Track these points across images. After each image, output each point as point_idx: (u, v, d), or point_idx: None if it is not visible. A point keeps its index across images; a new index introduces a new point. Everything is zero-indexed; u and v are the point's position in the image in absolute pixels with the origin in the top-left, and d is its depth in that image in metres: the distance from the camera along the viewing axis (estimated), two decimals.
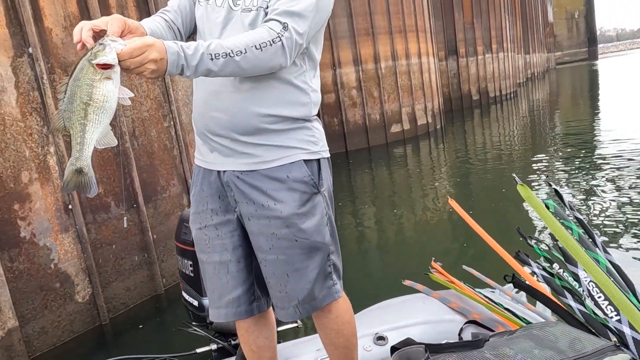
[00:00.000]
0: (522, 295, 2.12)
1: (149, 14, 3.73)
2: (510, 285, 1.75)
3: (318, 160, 1.43)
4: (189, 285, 2.00)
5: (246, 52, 1.21)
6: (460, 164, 8.36)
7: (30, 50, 2.95)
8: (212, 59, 1.17)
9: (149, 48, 1.10)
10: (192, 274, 1.95)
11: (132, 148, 3.53)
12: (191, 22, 1.47)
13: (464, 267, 2.18)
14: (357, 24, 9.84)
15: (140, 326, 3.36)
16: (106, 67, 1.08)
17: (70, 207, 3.14)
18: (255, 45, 1.21)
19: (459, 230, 4.56)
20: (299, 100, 1.39)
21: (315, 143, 1.43)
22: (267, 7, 1.31)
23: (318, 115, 1.50)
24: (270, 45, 1.23)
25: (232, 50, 1.19)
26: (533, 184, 5.95)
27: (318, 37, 1.43)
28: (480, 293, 2.00)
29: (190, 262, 1.96)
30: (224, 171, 1.41)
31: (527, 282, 1.73)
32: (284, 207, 1.37)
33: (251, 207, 1.39)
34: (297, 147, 1.39)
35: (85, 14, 3.29)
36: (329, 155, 1.48)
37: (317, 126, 1.46)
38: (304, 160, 1.40)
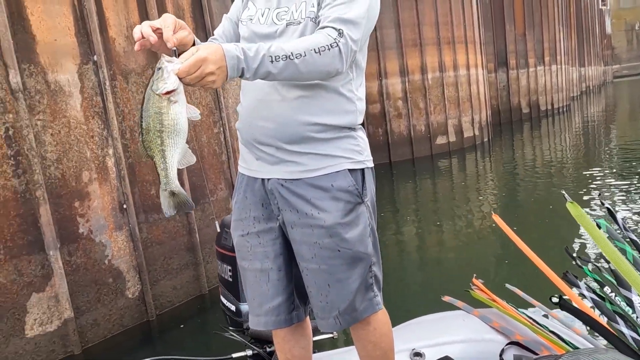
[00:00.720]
0: (570, 319, 2.05)
1: (204, 25, 3.90)
2: (557, 307, 1.69)
3: (362, 170, 1.43)
4: (227, 290, 2.03)
5: (305, 55, 1.21)
6: (507, 179, 8.15)
7: (95, 57, 3.15)
8: (272, 62, 1.18)
9: (203, 63, 1.12)
10: (230, 279, 1.98)
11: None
12: None
13: (507, 285, 2.10)
14: (405, 35, 9.82)
15: (182, 326, 3.47)
16: (169, 92, 1.13)
17: (124, 206, 3.30)
18: (314, 49, 1.22)
19: (503, 246, 4.44)
20: (345, 109, 1.40)
21: (360, 152, 1.43)
22: (316, 17, 1.33)
23: (362, 125, 1.49)
24: (329, 49, 1.24)
25: (292, 53, 1.20)
26: (584, 201, 5.72)
27: (364, 45, 1.44)
28: (524, 314, 1.92)
29: (229, 268, 1.99)
30: (268, 179, 1.42)
31: (575, 305, 1.65)
32: (327, 216, 1.37)
33: (294, 216, 1.39)
34: (342, 157, 1.39)
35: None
36: (372, 165, 1.48)
37: (362, 135, 1.46)
38: (349, 170, 1.40)
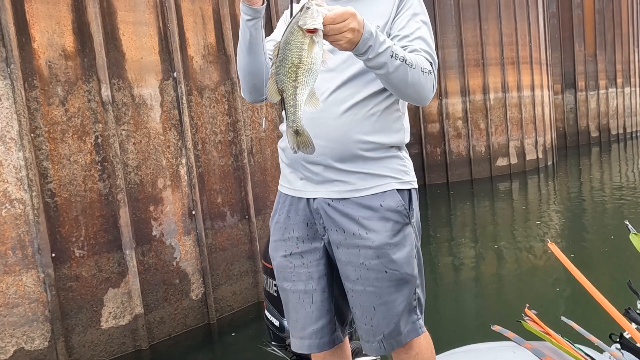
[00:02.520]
0: (630, 359, 1.94)
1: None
2: (617, 345, 1.62)
3: (409, 191, 1.43)
4: (272, 304, 2.04)
5: (415, 68, 1.25)
6: (570, 205, 7.82)
7: (174, 74, 3.42)
8: (392, 56, 1.21)
9: (351, 17, 1.13)
10: (275, 294, 1.96)
11: (249, 164, 3.87)
12: None
13: (563, 318, 2.00)
14: (467, 55, 9.75)
15: (233, 334, 3.60)
16: (313, 31, 1.13)
17: (193, 212, 3.53)
18: (421, 68, 1.27)
19: (560, 276, 4.28)
20: (394, 127, 1.41)
21: (407, 173, 1.43)
22: None
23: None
24: (429, 74, 1.29)
25: (407, 59, 1.24)
26: None
27: None
28: (581, 350, 1.82)
29: (275, 282, 1.95)
30: (314, 198, 1.41)
31: (637, 345, 1.56)
32: (375, 237, 1.35)
33: (340, 236, 1.37)
34: (390, 176, 1.39)
35: (221, 44, 3.73)
36: (417, 186, 1.48)
37: (407, 156, 1.47)
38: (397, 190, 1.39)
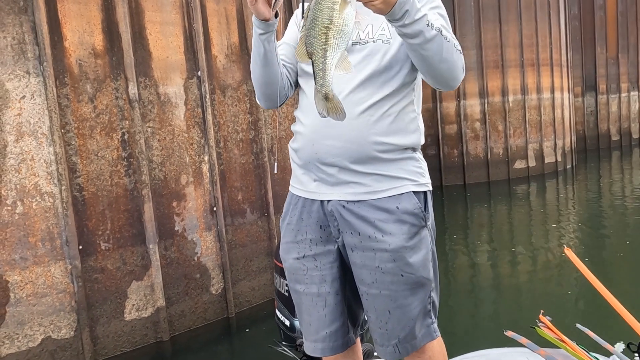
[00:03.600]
0: None
1: None
2: (635, 355, 1.57)
3: (425, 193, 1.41)
4: (283, 304, 2.04)
5: (450, 42, 1.21)
6: (589, 209, 7.73)
7: (199, 73, 3.50)
8: (428, 25, 1.16)
9: None
10: (287, 294, 1.94)
11: (269, 162, 3.93)
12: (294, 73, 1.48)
13: (579, 325, 1.94)
14: (487, 57, 9.69)
15: (247, 329, 3.65)
16: None
17: (214, 209, 3.60)
18: (455, 44, 1.24)
19: (576, 282, 4.25)
20: (410, 128, 1.39)
21: (422, 175, 1.42)
22: (389, 39, 1.34)
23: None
24: (460, 53, 1.27)
25: (443, 31, 1.19)
26: None
27: None
28: (597, 358, 1.80)
29: (286, 282, 1.94)
30: (328, 200, 1.38)
31: None
32: (392, 240, 1.33)
33: (356, 238, 1.35)
34: (407, 178, 1.37)
35: (244, 44, 3.80)
36: (431, 188, 1.46)
37: (422, 158, 1.46)
38: (413, 192, 1.37)
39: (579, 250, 5.30)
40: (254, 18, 1.35)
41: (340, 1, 1.10)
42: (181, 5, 3.41)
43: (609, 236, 6.04)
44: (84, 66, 3.02)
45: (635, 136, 15.94)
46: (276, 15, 1.35)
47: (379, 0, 1.11)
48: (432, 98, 9.78)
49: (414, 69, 1.40)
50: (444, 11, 1.40)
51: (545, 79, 10.25)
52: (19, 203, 2.82)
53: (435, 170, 9.49)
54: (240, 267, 3.79)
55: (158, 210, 3.32)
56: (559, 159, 10.67)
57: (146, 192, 3.22)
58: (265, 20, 1.33)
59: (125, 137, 3.17)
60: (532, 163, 10.18)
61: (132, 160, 3.19)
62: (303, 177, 1.44)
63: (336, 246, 1.41)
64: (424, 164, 1.45)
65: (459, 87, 9.75)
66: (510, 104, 9.92)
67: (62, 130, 2.93)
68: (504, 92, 9.87)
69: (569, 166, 11.04)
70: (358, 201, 1.36)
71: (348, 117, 1.31)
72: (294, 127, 1.47)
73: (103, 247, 3.10)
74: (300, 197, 1.45)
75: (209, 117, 3.54)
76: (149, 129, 3.28)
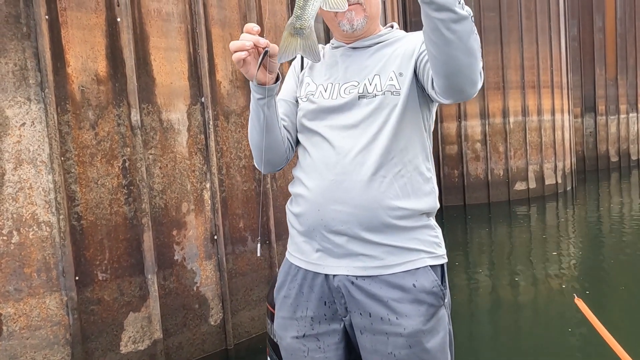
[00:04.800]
0: None
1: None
2: None
3: (442, 266, 1.28)
4: (275, 353, 1.94)
5: (476, 35, 1.06)
6: (590, 233, 7.69)
7: (202, 99, 3.44)
8: (459, 2, 1.00)
9: None
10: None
11: (272, 189, 3.87)
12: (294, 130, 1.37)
13: None
14: (488, 78, 9.70)
15: None
16: None
17: (215, 237, 3.52)
18: (479, 45, 1.08)
19: (582, 321, 4.18)
20: (425, 190, 1.27)
21: (439, 245, 1.29)
22: (397, 90, 1.23)
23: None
24: (482, 60, 1.11)
25: (473, 18, 1.04)
26: None
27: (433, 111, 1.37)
28: None
29: None
30: (334, 275, 1.23)
31: None
32: (408, 323, 1.18)
33: (366, 320, 1.21)
34: (423, 250, 1.25)
35: None
36: (447, 259, 1.33)
37: (437, 225, 1.33)
38: (430, 267, 1.24)
39: (579, 281, 5.23)
40: (250, 83, 1.22)
41: None
42: (186, 31, 3.37)
43: (609, 266, 5.97)
44: (87, 93, 2.96)
45: (634, 158, 15.97)
46: (277, 79, 1.23)
47: None
48: None
49: (425, 120, 1.31)
50: None
51: (546, 100, 10.28)
52: (15, 233, 2.74)
53: None
54: (240, 296, 3.70)
55: (158, 239, 3.24)
56: (559, 180, 10.65)
57: (146, 220, 3.15)
58: (262, 84, 1.20)
59: (126, 164, 3.10)
60: (532, 185, 10.15)
61: (132, 188, 3.12)
62: (304, 245, 1.29)
63: (342, 325, 1.26)
64: (439, 232, 1.33)
65: (459, 108, 9.76)
66: (511, 125, 9.93)
67: (62, 158, 2.86)
68: (504, 114, 9.88)
69: (569, 188, 11.02)
70: (369, 276, 1.21)
71: (359, 178, 1.20)
72: (293, 189, 1.34)
73: (100, 278, 3.01)
74: (301, 268, 1.30)
75: (212, 144, 3.48)
76: (150, 156, 3.22)
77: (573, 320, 4.10)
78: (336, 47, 1.37)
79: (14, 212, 2.73)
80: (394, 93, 1.25)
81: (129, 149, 3.11)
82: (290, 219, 1.35)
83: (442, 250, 1.30)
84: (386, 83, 1.26)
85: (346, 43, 1.34)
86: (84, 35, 2.94)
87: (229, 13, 3.61)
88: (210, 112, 3.47)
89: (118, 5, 3.04)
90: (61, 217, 2.83)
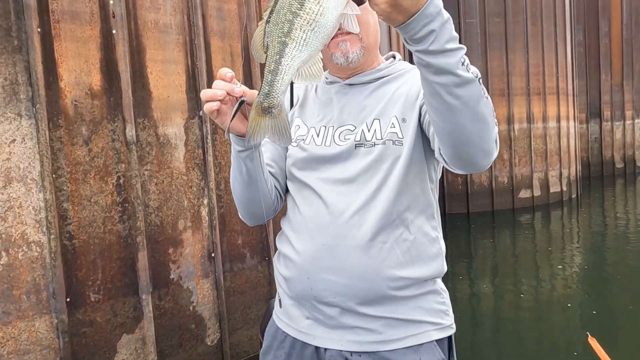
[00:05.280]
0: None
1: None
2: None
3: (449, 338, 1.16)
4: None
5: (487, 99, 0.91)
6: (595, 241, 7.57)
7: (200, 113, 3.34)
8: (464, 63, 0.86)
9: None
10: None
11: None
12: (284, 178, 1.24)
13: None
14: (493, 85, 9.59)
15: None
16: None
17: (213, 255, 3.41)
18: (492, 109, 0.93)
19: (591, 328, 4.06)
20: (429, 252, 1.13)
21: (446, 313, 1.15)
22: (400, 140, 1.08)
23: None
24: (495, 125, 0.96)
25: (480, 81, 0.90)
26: None
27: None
28: None
29: None
30: (326, 349, 1.11)
31: None
32: None
33: None
34: (428, 322, 1.11)
35: (249, 80, 3.65)
36: (455, 328, 1.20)
37: (444, 287, 1.19)
38: (436, 341, 1.11)
39: (584, 297, 5.11)
40: (226, 133, 1.09)
41: None
42: (184, 43, 3.27)
43: (616, 281, 5.85)
44: (80, 107, 2.86)
45: (639, 164, 15.81)
46: None
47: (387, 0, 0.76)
48: None
49: (433, 171, 1.14)
50: None
51: (551, 107, 10.15)
52: (3, 254, 2.64)
53: (439, 198, 9.32)
54: (238, 315, 3.60)
55: (153, 258, 3.14)
56: (564, 188, 10.52)
57: (141, 239, 3.04)
58: (242, 135, 1.05)
59: (121, 181, 3.00)
60: (537, 192, 10.02)
61: (127, 205, 3.02)
62: (293, 309, 1.17)
63: None
64: (446, 296, 1.19)
65: None
66: (516, 133, 9.81)
67: (54, 176, 2.76)
68: (509, 121, 9.76)
69: (573, 196, 10.88)
70: (366, 352, 1.08)
71: (353, 245, 1.06)
72: (281, 246, 1.21)
73: (93, 299, 2.91)
74: (289, 335, 1.18)
75: (210, 159, 3.38)
76: (146, 172, 3.12)
77: (577, 336, 3.99)
78: (330, 83, 1.22)
79: (3, 232, 2.63)
80: (396, 142, 1.10)
81: (123, 165, 3.01)
82: (277, 277, 1.25)
83: (450, 319, 1.17)
84: (387, 130, 1.11)
85: (341, 78, 1.19)
86: (77, 48, 2.84)
87: (228, 24, 3.51)
88: (208, 125, 3.37)
89: (113, 17, 2.95)
90: (52, 236, 2.73)
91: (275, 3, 0.83)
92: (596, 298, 5.01)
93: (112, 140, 2.97)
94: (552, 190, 10.21)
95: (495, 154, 0.97)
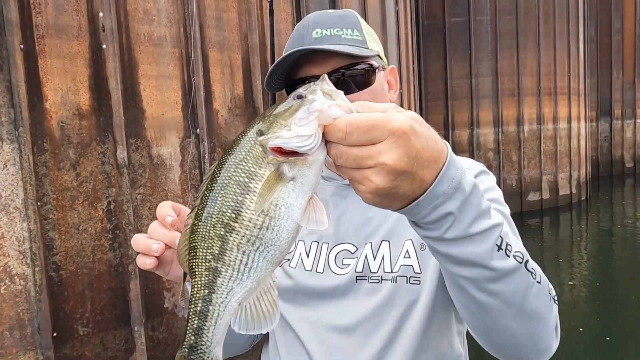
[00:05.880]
0: None
1: None
2: None
3: None
4: None
5: (540, 284, 0.67)
6: (606, 250, 7.36)
7: (198, 131, 3.14)
8: (500, 247, 0.60)
9: (408, 133, 0.52)
10: None
11: None
12: None
13: None
14: (502, 84, 9.33)
15: None
16: (286, 153, 0.54)
17: None
18: (549, 288, 0.70)
19: (602, 333, 3.89)
20: None
21: None
22: (415, 276, 0.82)
23: None
24: (554, 302, 0.71)
25: (528, 262, 0.66)
26: None
27: None
28: None
29: None
30: None
31: None
32: None
33: None
34: None
35: (249, 95, 3.44)
36: None
37: None
38: None
39: (594, 308, 4.92)
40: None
41: (264, 173, 0.54)
42: (180, 57, 3.06)
43: (626, 289, 5.65)
44: (67, 129, 2.66)
45: None
46: None
47: (381, 181, 0.52)
48: (444, 125, 9.43)
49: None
50: (505, 206, 0.86)
51: (562, 108, 9.89)
52: None
53: None
54: None
55: (146, 287, 2.96)
56: (574, 191, 10.29)
57: (133, 267, 2.86)
58: None
59: (112, 206, 2.81)
60: (546, 195, 9.80)
61: (118, 232, 2.83)
62: None
63: None
64: None
65: (471, 115, 9.39)
66: (526, 134, 9.56)
67: (39, 203, 2.57)
68: (519, 122, 9.51)
69: (583, 198, 10.65)
70: None
71: None
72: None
73: (81, 332, 2.74)
74: None
75: None
76: (138, 196, 2.93)
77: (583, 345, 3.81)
78: (327, 179, 0.96)
79: None
80: (412, 280, 0.82)
81: (114, 190, 2.81)
82: None
83: None
84: (399, 261, 0.84)
85: (339, 174, 0.82)
86: (64, 65, 2.64)
87: (228, 34, 3.29)
88: (206, 144, 3.17)
89: (103, 31, 2.74)
90: (37, 268, 2.55)
91: (202, 202, 0.58)
92: (609, 322, 4.81)
93: (101, 163, 2.78)
94: (561, 193, 9.99)
95: (556, 346, 0.71)
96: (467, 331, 0.89)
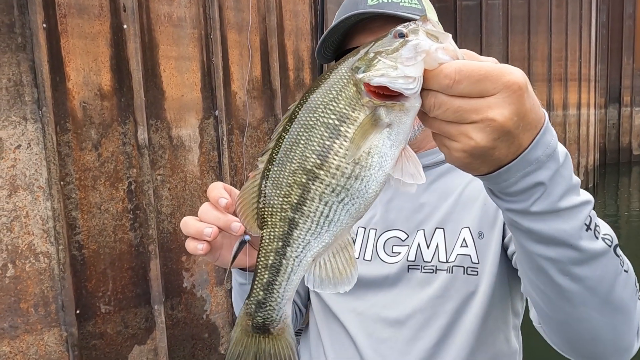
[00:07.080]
0: None
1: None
2: None
3: None
4: None
5: (628, 273, 0.60)
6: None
7: (216, 112, 3.14)
8: (589, 227, 0.55)
9: (515, 78, 0.47)
10: None
11: None
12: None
13: None
14: None
15: None
16: (388, 95, 0.49)
17: None
18: (636, 282, 0.62)
19: None
20: None
21: None
22: (473, 266, 0.77)
23: None
24: (639, 299, 0.63)
25: (617, 247, 0.60)
26: None
27: None
28: None
29: None
30: None
31: None
32: None
33: None
34: None
35: (267, 77, 3.44)
36: None
37: None
38: None
39: None
40: (232, 270, 0.83)
41: (362, 117, 0.49)
42: (199, 38, 3.04)
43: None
44: (89, 109, 2.67)
45: None
46: None
47: (487, 132, 0.46)
48: None
49: (520, 301, 0.83)
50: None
51: (572, 94, 9.82)
52: (10, 265, 2.50)
53: None
54: None
55: (165, 267, 3.00)
56: (582, 178, 10.26)
57: (153, 247, 2.90)
58: (244, 268, 0.79)
59: (132, 187, 2.84)
60: None
61: (138, 212, 2.86)
62: None
63: None
64: None
65: None
66: None
67: (62, 183, 2.60)
68: None
69: (590, 185, 10.63)
70: None
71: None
72: None
73: (103, 310, 2.79)
74: None
75: (226, 161, 3.20)
76: (158, 177, 2.95)
77: None
78: None
79: (9, 243, 2.49)
80: (470, 271, 0.77)
81: (135, 170, 2.83)
82: None
83: None
84: (455, 250, 0.78)
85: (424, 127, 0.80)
86: (86, 45, 2.63)
87: (246, 15, 3.27)
88: (224, 126, 3.18)
89: (124, 11, 2.73)
90: (60, 247, 2.59)
91: (277, 145, 0.53)
92: None
93: (122, 144, 2.79)
94: None
95: (637, 347, 0.64)
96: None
